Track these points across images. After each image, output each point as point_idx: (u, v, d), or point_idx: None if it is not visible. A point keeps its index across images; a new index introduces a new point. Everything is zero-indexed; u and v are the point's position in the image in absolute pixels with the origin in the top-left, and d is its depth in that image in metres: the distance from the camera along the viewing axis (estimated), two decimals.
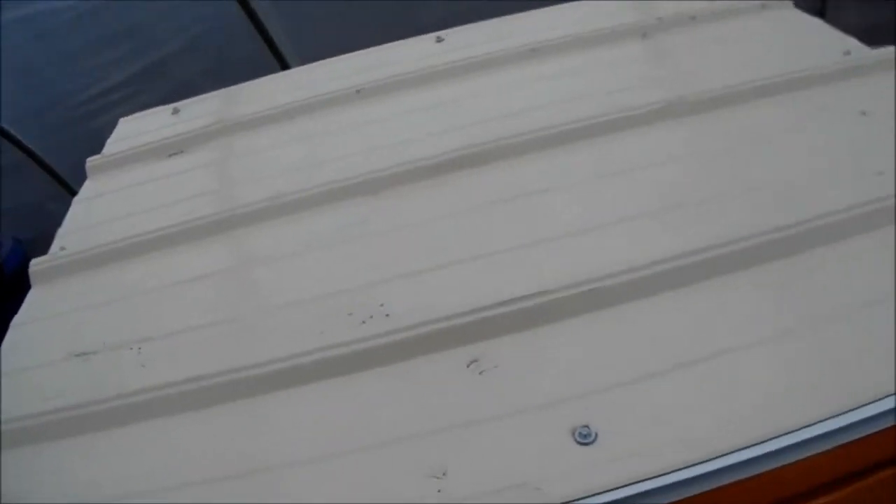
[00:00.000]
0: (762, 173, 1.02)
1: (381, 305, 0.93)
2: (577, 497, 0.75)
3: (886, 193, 0.95)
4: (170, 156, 1.43)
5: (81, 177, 1.50)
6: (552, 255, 0.95)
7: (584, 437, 0.78)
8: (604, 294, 0.89)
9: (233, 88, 1.65)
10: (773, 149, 1.06)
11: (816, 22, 1.35)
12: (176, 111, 1.61)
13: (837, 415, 0.76)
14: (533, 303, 0.89)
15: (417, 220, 1.04)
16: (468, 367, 0.86)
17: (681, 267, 0.90)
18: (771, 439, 0.75)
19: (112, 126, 1.67)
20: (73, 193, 1.44)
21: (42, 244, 1.29)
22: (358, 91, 1.41)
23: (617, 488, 0.75)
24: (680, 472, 0.74)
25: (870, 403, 0.76)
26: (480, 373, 0.85)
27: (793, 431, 0.76)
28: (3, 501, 0.85)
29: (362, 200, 1.11)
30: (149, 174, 1.40)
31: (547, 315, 0.89)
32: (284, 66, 2.33)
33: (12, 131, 2.76)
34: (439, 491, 0.77)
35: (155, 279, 1.12)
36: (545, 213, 1.01)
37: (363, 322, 0.92)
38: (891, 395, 0.77)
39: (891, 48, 1.21)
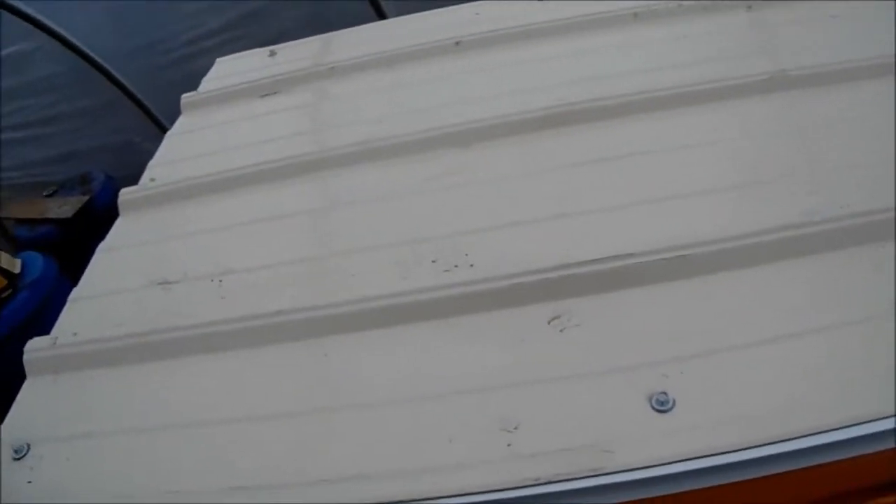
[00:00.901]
0: (862, 154, 0.97)
1: (466, 255, 0.92)
2: (648, 464, 0.73)
3: None
4: (263, 96, 1.42)
5: (175, 117, 1.51)
6: (642, 218, 0.92)
7: (661, 405, 0.75)
8: (692, 262, 0.86)
9: (330, 34, 1.64)
10: (877, 129, 1.01)
11: None
12: (273, 53, 1.60)
13: None
14: (619, 264, 0.86)
15: (508, 175, 1.02)
16: (549, 323, 0.84)
17: (772, 241, 0.87)
18: (847, 427, 0.72)
19: (207, 70, 1.68)
20: (166, 131, 1.46)
21: (133, 181, 1.30)
22: (457, 43, 1.39)
23: (690, 459, 0.72)
24: (751, 451, 0.71)
25: None
26: (561, 330, 0.83)
27: (869, 422, 0.72)
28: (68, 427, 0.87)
29: (453, 151, 1.09)
30: (242, 113, 1.40)
31: (632, 278, 0.86)
32: (381, 17, 2.32)
33: (108, 65, 2.80)
34: (509, 445, 0.75)
35: (241, 215, 1.12)
36: (637, 176, 0.98)
37: (447, 270, 0.91)
38: None
39: None
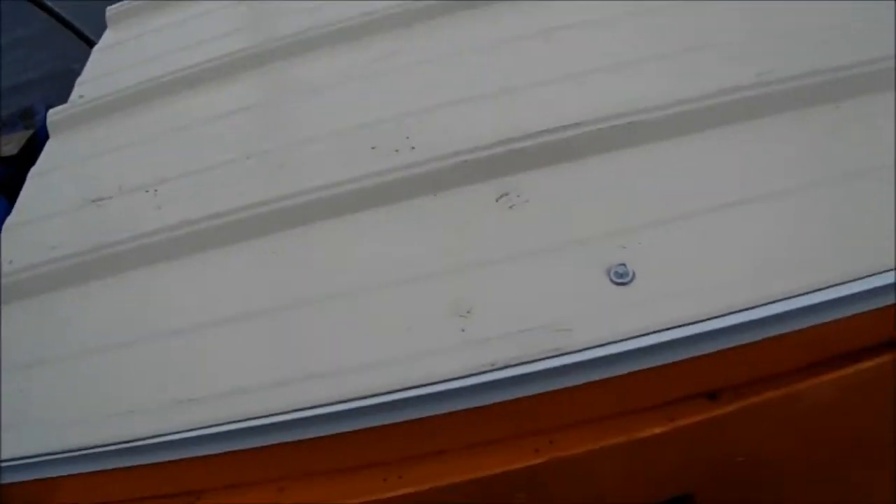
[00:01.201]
0: (812, 16, 0.91)
1: (407, 138, 0.86)
2: (609, 340, 0.68)
3: None
4: None
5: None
6: (588, 88, 0.87)
7: (620, 277, 0.71)
8: (643, 128, 0.81)
9: None
10: None
11: None
12: None
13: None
14: (567, 134, 0.81)
15: (447, 53, 0.96)
16: (497, 200, 0.79)
17: (725, 103, 0.82)
18: (811, 292, 0.68)
19: None
20: None
21: None
22: None
23: (654, 332, 0.68)
24: (719, 320, 0.67)
25: None
26: (510, 207, 0.78)
27: (833, 286, 0.68)
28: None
29: (392, 34, 1.02)
30: (171, 19, 1.32)
31: (581, 148, 0.81)
32: None
33: None
34: (463, 330, 0.71)
35: (174, 120, 1.06)
36: (579, 47, 0.92)
37: (388, 155, 0.85)
38: None
39: None
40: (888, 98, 0.81)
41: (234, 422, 0.70)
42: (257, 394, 0.71)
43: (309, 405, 0.70)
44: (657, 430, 0.71)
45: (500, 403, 0.71)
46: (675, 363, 0.70)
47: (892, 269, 0.68)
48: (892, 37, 0.85)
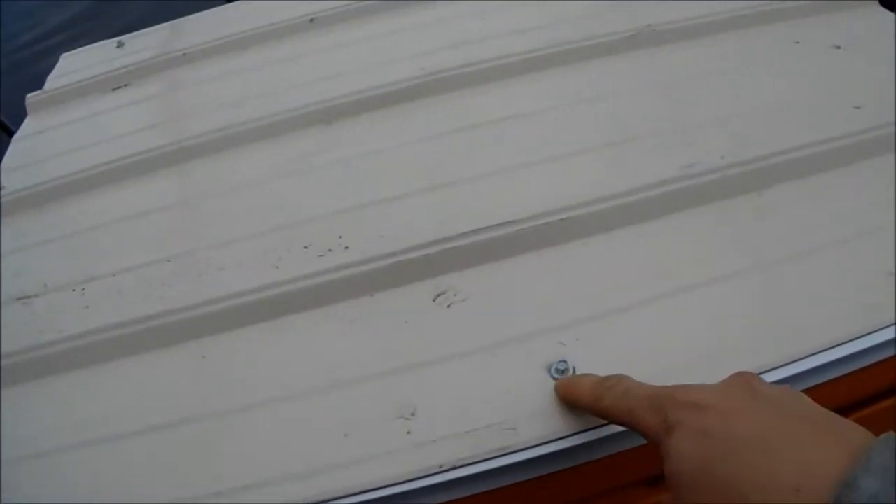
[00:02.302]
0: (732, 105, 0.93)
1: (340, 237, 0.84)
2: (555, 437, 0.67)
3: (862, 128, 0.87)
4: (114, 89, 1.31)
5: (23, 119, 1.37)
6: (518, 184, 0.86)
7: (561, 374, 0.70)
8: (576, 224, 0.81)
9: (180, 21, 1.52)
10: (744, 80, 0.97)
11: None
12: (120, 45, 1.47)
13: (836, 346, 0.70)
14: (501, 233, 0.80)
15: (375, 150, 0.94)
16: (434, 300, 0.78)
17: (651, 198, 0.82)
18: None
19: (53, 67, 1.54)
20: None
21: None
22: (311, 20, 1.29)
23: (598, 427, 0.68)
24: None
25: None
26: (448, 306, 0.77)
27: (778, 367, 0.69)
28: None
29: (316, 130, 1.00)
30: (92, 109, 1.28)
31: (516, 246, 0.80)
32: None
33: None
34: (408, 433, 0.69)
35: (99, 216, 1.01)
36: (508, 142, 0.92)
37: (321, 255, 0.83)
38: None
39: None
40: (810, 184, 0.83)
41: None
42: None
43: None
44: None
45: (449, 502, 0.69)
46: (616, 454, 0.70)
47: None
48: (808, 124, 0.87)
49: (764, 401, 0.49)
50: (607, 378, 0.62)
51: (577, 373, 0.70)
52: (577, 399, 0.65)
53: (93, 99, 1.31)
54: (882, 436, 0.43)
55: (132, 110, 1.23)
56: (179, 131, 1.07)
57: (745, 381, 0.52)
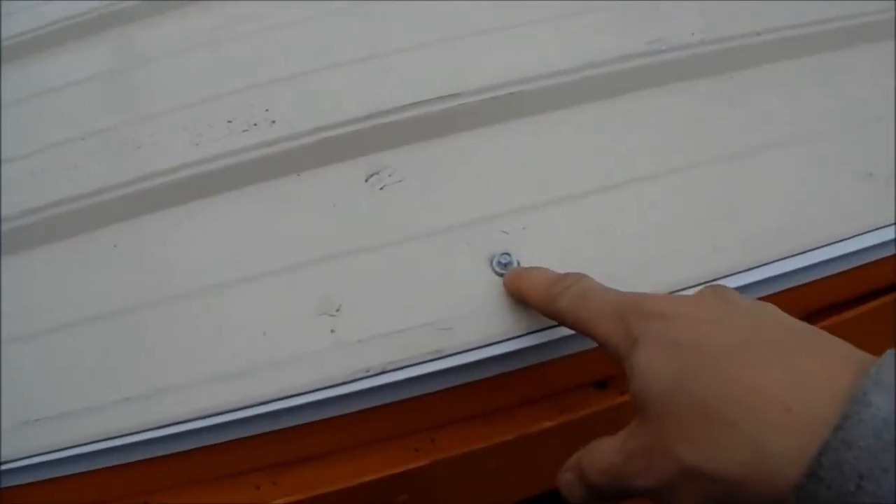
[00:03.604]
0: None
1: (267, 110, 0.72)
2: (496, 339, 0.59)
3: (850, 12, 0.76)
4: None
5: None
6: (463, 54, 0.74)
7: (504, 267, 0.61)
8: (526, 100, 0.70)
9: None
10: None
11: None
12: None
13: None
14: (443, 107, 0.69)
15: (306, 16, 0.81)
16: (367, 180, 0.67)
17: (610, 74, 0.71)
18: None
19: None
20: None
21: None
22: None
23: (543, 329, 0.59)
24: None
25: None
26: (381, 188, 0.67)
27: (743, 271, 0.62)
28: None
29: None
30: None
31: (459, 122, 0.69)
32: None
33: None
34: (332, 331, 0.60)
35: (12, 92, 0.89)
36: (453, 7, 0.79)
37: (245, 130, 0.72)
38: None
39: None
40: (787, 69, 0.73)
41: (91, 442, 0.59)
42: (107, 412, 0.60)
43: (169, 422, 0.59)
44: (546, 424, 0.63)
45: (376, 407, 0.61)
46: (564, 356, 0.61)
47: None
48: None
49: (742, 311, 0.42)
50: (565, 276, 0.53)
51: (522, 266, 0.60)
52: (527, 295, 0.56)
53: None
54: (890, 350, 0.35)
55: None
56: None
57: (718, 292, 0.44)
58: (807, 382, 0.34)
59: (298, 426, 0.61)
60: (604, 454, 0.45)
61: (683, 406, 0.38)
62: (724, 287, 0.45)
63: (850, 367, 0.34)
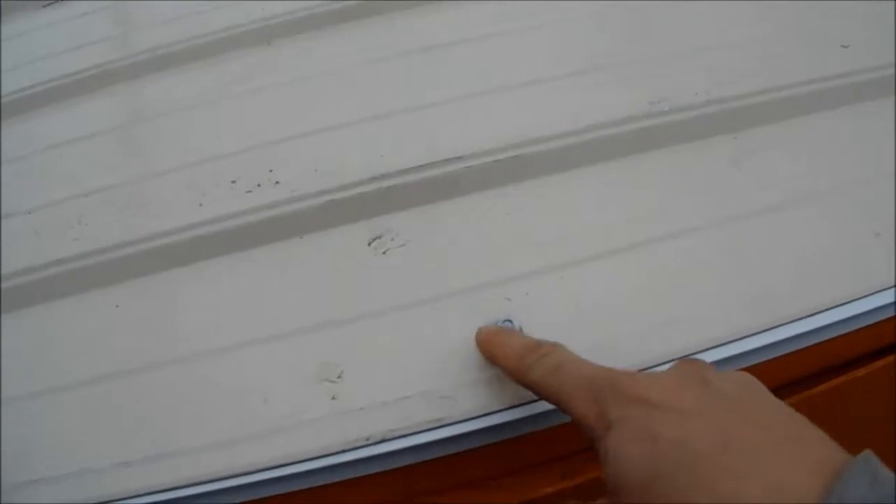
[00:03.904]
0: (710, 38, 0.80)
1: (271, 171, 0.72)
2: (497, 408, 0.58)
3: (849, 69, 0.75)
4: (45, 6, 1.16)
5: None
6: (467, 117, 0.74)
7: None
8: (527, 163, 0.70)
9: None
10: (724, 10, 0.84)
11: None
12: None
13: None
14: (446, 170, 0.69)
15: (314, 74, 0.81)
16: (370, 244, 0.67)
17: (614, 136, 0.71)
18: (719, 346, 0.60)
19: None
20: None
21: None
22: None
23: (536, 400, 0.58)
24: None
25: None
26: (384, 252, 0.66)
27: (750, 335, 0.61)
28: None
29: (253, 51, 0.87)
30: (21, 27, 1.14)
31: (462, 185, 0.69)
32: None
33: None
34: (334, 398, 0.59)
35: (17, 149, 0.88)
36: (458, 69, 0.79)
37: (249, 191, 0.71)
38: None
39: None
40: (791, 128, 0.72)
41: None
42: (106, 476, 0.59)
43: (168, 487, 0.58)
44: (547, 490, 0.62)
45: (377, 473, 0.60)
46: (565, 423, 0.60)
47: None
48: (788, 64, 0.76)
49: (721, 399, 0.40)
50: (539, 345, 0.51)
51: (525, 332, 0.59)
52: (500, 363, 0.55)
53: (23, 16, 1.16)
54: (859, 456, 0.34)
55: (54, 30, 1.08)
56: (102, 54, 0.94)
57: (697, 372, 0.43)
58: (780, 494, 0.34)
59: (299, 492, 0.60)
60: None
61: (658, 502, 0.38)
62: (703, 365, 0.43)
63: (820, 477, 0.34)
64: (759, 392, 0.42)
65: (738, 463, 0.36)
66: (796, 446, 0.36)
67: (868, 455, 0.34)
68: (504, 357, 0.55)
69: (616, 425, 0.41)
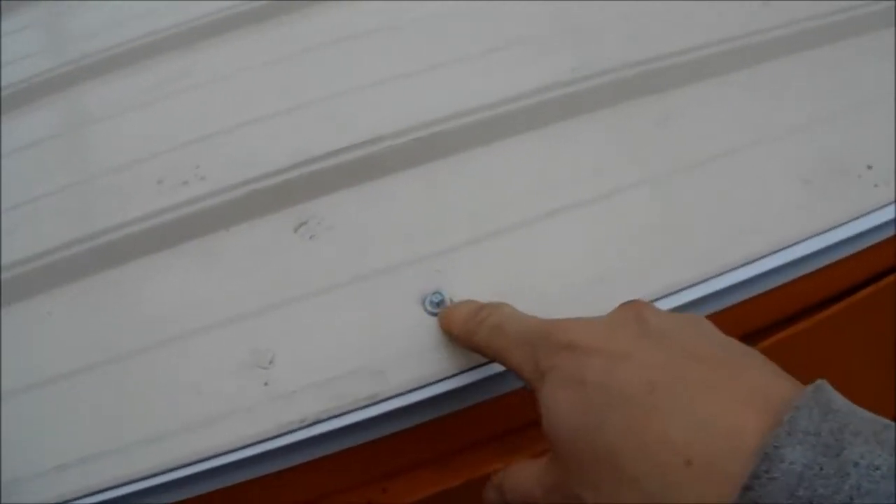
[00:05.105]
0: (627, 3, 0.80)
1: (197, 167, 0.71)
2: (430, 380, 0.57)
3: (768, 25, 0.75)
4: None
5: None
6: (386, 98, 0.73)
7: (436, 306, 0.59)
8: (447, 138, 0.69)
9: None
10: None
11: None
12: None
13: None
14: (366, 151, 0.68)
15: (233, 72, 0.80)
16: (296, 231, 0.66)
17: (535, 105, 0.70)
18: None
19: None
20: None
21: None
22: None
23: (477, 367, 0.57)
24: None
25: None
26: (311, 237, 0.65)
27: (677, 291, 0.60)
28: None
29: (172, 55, 0.84)
30: None
31: (384, 165, 0.68)
32: None
33: None
34: (266, 384, 0.58)
35: None
36: (375, 53, 0.78)
37: (175, 189, 0.70)
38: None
39: None
40: (713, 86, 0.72)
41: None
42: (42, 479, 0.57)
43: (105, 486, 0.56)
44: (497, 466, 0.60)
45: (318, 459, 0.59)
46: (505, 394, 0.60)
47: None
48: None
49: (656, 337, 0.38)
50: (483, 307, 0.51)
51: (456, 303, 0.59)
52: (450, 333, 0.55)
53: None
54: (809, 387, 0.32)
55: None
56: (31, 66, 0.92)
57: (635, 313, 0.40)
58: (711, 432, 0.31)
59: (240, 484, 0.59)
60: (524, 482, 0.43)
61: (589, 453, 0.36)
62: (642, 305, 0.41)
63: (762, 412, 0.31)
64: (702, 328, 0.39)
65: (665, 402, 0.33)
66: (736, 381, 0.33)
67: (822, 384, 0.31)
68: (452, 326, 0.54)
69: (548, 374, 0.40)
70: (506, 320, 0.48)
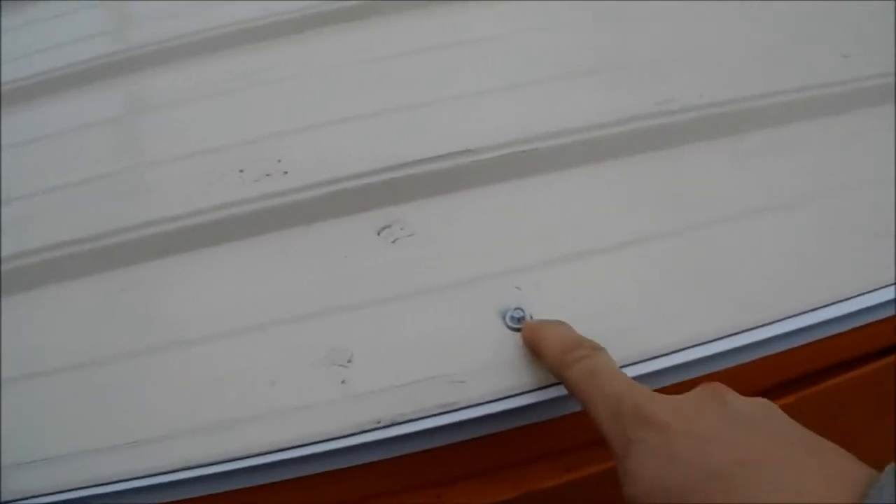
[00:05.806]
0: (709, 41, 0.81)
1: (279, 161, 0.72)
2: (507, 393, 0.57)
3: (849, 77, 0.76)
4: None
5: None
6: (478, 112, 0.74)
7: (517, 322, 0.59)
8: (537, 158, 0.69)
9: None
10: (732, 15, 0.84)
11: None
12: None
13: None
14: (455, 162, 0.69)
15: (326, 68, 0.81)
16: (379, 234, 0.66)
17: (622, 134, 0.71)
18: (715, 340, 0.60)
19: None
20: None
21: None
22: None
23: (552, 385, 0.57)
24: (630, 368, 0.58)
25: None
26: (393, 241, 0.66)
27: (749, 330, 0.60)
28: None
29: (261, 45, 0.86)
30: (27, 17, 1.13)
31: (471, 177, 0.69)
32: None
33: None
34: (343, 382, 0.59)
35: (22, 133, 0.88)
36: (469, 66, 0.79)
37: (257, 180, 0.71)
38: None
39: None
40: (792, 132, 0.73)
41: (91, 486, 0.56)
42: (116, 454, 0.57)
43: (174, 468, 0.56)
44: (551, 483, 0.61)
45: (384, 460, 0.59)
46: (572, 413, 0.60)
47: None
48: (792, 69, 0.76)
49: (739, 421, 0.40)
50: (580, 344, 0.52)
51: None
52: (542, 353, 0.55)
53: (31, 6, 1.15)
54: (889, 467, 0.34)
55: (61, 22, 1.07)
56: (112, 43, 0.93)
57: (717, 395, 0.43)
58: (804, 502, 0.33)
59: (305, 478, 0.59)
60: None
61: None
62: (723, 388, 0.43)
63: (847, 487, 0.33)
64: (775, 412, 0.42)
65: (757, 477, 0.36)
66: (817, 460, 0.36)
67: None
68: (546, 349, 0.55)
69: (635, 446, 0.41)
70: (601, 369, 0.49)
